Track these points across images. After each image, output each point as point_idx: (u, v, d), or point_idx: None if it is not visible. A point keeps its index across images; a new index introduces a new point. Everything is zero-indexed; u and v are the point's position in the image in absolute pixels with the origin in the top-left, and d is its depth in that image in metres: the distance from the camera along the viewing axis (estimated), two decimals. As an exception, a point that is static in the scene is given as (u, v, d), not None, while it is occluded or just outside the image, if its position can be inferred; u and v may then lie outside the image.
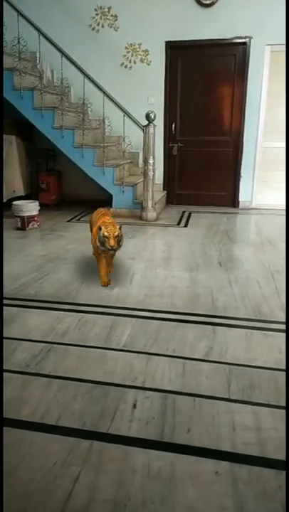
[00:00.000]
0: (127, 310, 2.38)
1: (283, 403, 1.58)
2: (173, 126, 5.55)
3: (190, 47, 5.29)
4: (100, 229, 2.51)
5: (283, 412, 1.53)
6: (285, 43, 4.70)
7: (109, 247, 2.49)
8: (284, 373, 1.78)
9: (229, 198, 5.67)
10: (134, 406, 1.55)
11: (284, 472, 1.27)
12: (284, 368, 1.82)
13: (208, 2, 5.09)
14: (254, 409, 1.55)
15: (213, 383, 1.71)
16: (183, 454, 1.33)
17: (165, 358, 1.89)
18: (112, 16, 5.30)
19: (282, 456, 1.32)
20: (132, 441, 1.38)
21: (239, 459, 1.32)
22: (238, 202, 5.62)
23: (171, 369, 1.80)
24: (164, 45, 5.29)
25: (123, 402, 1.57)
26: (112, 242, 2.47)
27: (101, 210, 2.96)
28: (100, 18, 5.33)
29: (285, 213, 5.06)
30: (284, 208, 5.43)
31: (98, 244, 2.55)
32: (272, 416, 1.51)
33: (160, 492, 1.20)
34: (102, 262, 2.69)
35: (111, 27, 5.33)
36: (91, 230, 2.84)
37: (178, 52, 5.34)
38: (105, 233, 2.48)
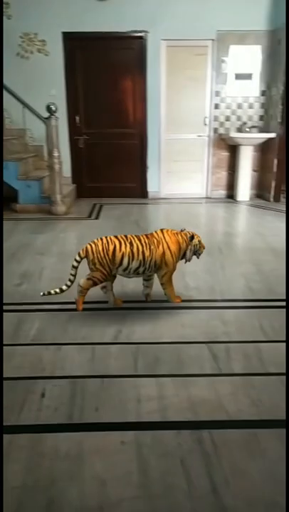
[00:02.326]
0: (35, 305, 2.36)
1: (184, 371, 1.73)
2: (77, 118, 5.52)
3: (89, 39, 5.28)
4: (192, 238, 2.30)
5: (183, 379, 1.68)
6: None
7: (202, 251, 2.40)
8: (185, 345, 1.94)
9: (138, 189, 5.84)
10: (43, 395, 1.57)
11: (183, 431, 1.40)
12: (185, 340, 1.98)
13: (103, -6, 5.12)
14: (158, 381, 1.67)
15: (120, 363, 1.79)
16: (91, 432, 1.40)
17: (75, 346, 1.93)
18: (4, 3, 5.05)
19: (180, 417, 1.46)
20: (41, 428, 1.40)
21: (143, 427, 1.42)
22: (147, 192, 5.81)
23: (80, 356, 1.85)
24: (61, 35, 5.21)
25: (31, 393, 1.58)
26: (204, 245, 2.40)
27: (119, 237, 2.25)
28: (-9, 5, 5.05)
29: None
30: (190, 196, 5.77)
31: (188, 256, 2.32)
32: (173, 384, 1.64)
33: (68, 470, 1.24)
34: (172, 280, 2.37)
35: (3, 14, 5.08)
36: (101, 265, 2.18)
37: (77, 44, 5.30)
38: (200, 239, 2.35)
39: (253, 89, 5.48)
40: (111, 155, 5.69)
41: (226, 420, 1.45)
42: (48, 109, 4.31)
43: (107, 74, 5.45)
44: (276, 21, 5.14)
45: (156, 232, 2.31)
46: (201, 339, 2.00)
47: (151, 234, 2.30)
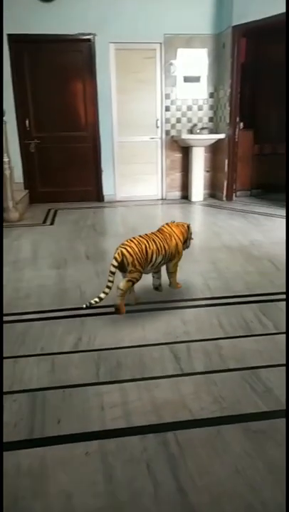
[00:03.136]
0: (-10, 317, 2.26)
1: (146, 375, 1.73)
2: (27, 122, 5.38)
3: (36, 41, 5.17)
4: (189, 228, 2.55)
5: (146, 382, 1.67)
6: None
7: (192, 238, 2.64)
8: (147, 348, 1.94)
9: (94, 193, 5.79)
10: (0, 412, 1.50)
11: (147, 435, 1.39)
12: (146, 343, 1.98)
13: (47, -4, 5.03)
14: (121, 386, 1.65)
15: (82, 371, 1.76)
16: (54, 445, 1.36)
17: (33, 357, 1.87)
18: None
19: (144, 422, 1.45)
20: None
21: (108, 435, 1.40)
22: (103, 196, 5.78)
23: (39, 367, 1.80)
24: (6, 37, 5.06)
25: (-11, 411, 1.51)
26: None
27: (144, 237, 2.32)
28: None
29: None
30: (145, 198, 5.81)
31: (188, 244, 2.57)
32: (136, 388, 1.64)
33: (32, 487, 1.20)
34: None
35: None
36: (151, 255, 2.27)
37: (23, 47, 5.17)
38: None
39: (201, 91, 5.62)
40: (64, 159, 5.60)
41: (189, 420, 1.46)
42: (-5, 113, 4.17)
43: (56, 77, 5.37)
44: (220, 25, 5.31)
45: (163, 227, 2.47)
46: (163, 340, 2.01)
47: (161, 230, 2.45)
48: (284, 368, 1.76)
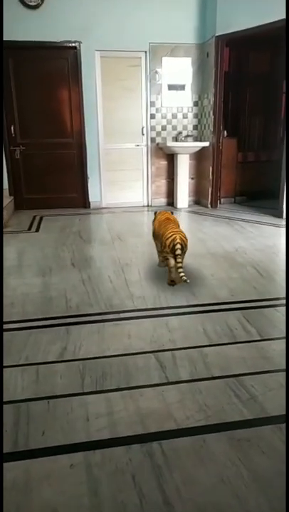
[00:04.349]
0: (-27, 326, 2.22)
1: (132, 384, 1.72)
2: (12, 128, 5.35)
3: (21, 48, 5.16)
4: (172, 213, 3.18)
5: (131, 391, 1.67)
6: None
7: None
8: (132, 356, 1.94)
9: (80, 200, 5.78)
10: (-16, 425, 1.48)
11: (133, 446, 1.39)
12: (132, 351, 1.98)
13: (33, 4, 5.03)
14: (106, 396, 1.65)
15: (67, 382, 1.75)
16: (38, 458, 1.34)
17: (17, 368, 1.85)
18: None
19: (130, 432, 1.45)
20: (-17, 461, 1.32)
21: (93, 446, 1.39)
22: (89, 202, 5.77)
23: (23, 378, 1.77)
24: (-10, 44, 5.03)
25: (-29, 423, 1.49)
26: None
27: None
28: None
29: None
30: (131, 205, 5.82)
31: None
32: (122, 398, 1.63)
33: (15, 501, 1.18)
34: None
35: None
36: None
37: (9, 53, 5.15)
38: None
39: (186, 99, 5.69)
40: (50, 165, 5.58)
41: (174, 429, 1.47)
42: (-21, 119, 4.13)
43: (41, 84, 5.36)
44: (204, 35, 5.39)
45: (169, 216, 3.01)
46: (148, 349, 2.01)
47: (168, 219, 2.96)
48: (268, 375, 1.78)
